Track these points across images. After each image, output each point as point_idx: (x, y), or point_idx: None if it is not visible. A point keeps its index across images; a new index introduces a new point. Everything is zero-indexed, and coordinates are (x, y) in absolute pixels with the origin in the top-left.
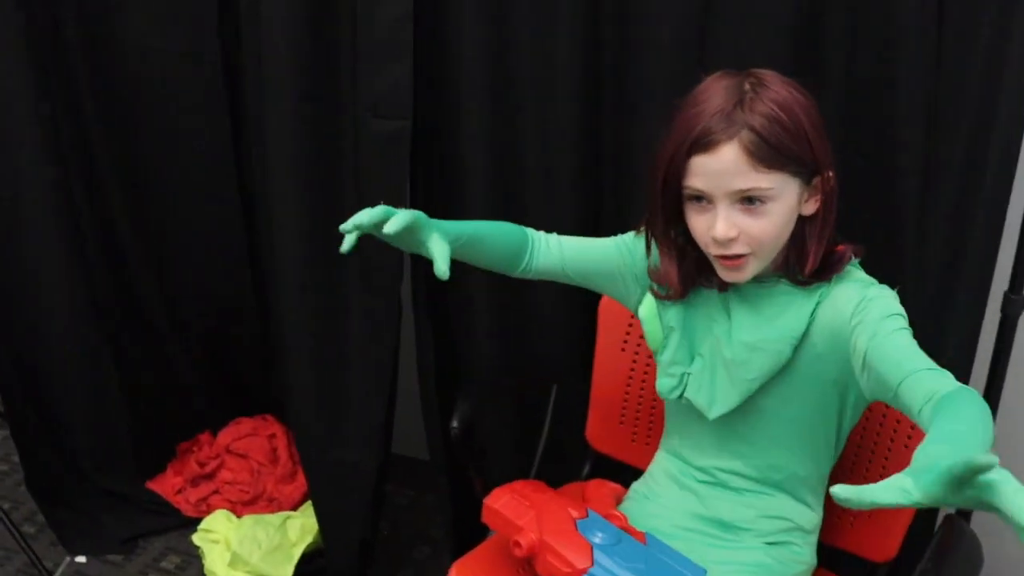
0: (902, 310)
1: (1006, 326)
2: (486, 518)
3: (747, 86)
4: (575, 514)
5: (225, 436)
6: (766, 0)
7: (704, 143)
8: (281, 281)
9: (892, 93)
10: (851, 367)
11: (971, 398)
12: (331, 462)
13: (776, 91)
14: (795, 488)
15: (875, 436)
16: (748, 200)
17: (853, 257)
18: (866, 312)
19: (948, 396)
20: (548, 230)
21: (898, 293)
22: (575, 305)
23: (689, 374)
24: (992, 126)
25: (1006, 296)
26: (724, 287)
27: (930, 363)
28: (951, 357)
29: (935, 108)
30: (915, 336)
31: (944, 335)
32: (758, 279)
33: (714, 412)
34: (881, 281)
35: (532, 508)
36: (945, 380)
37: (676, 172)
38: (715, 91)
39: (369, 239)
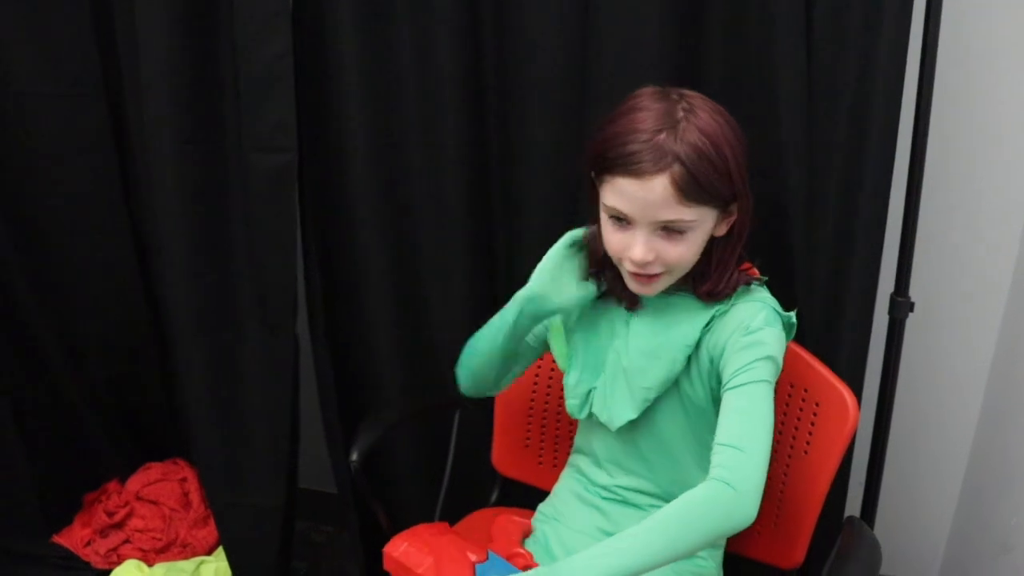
0: (775, 349)
1: (894, 328)
2: (387, 566)
3: (680, 113)
4: (474, 558)
5: (134, 483)
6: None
7: (634, 169)
8: (177, 322)
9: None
10: None
11: (687, 512)
12: (237, 503)
13: (706, 121)
14: None
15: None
16: (668, 229)
17: (755, 280)
18: (742, 348)
19: (688, 496)
20: (439, 253)
21: (796, 315)
22: (476, 326)
23: (595, 389)
24: (866, 141)
25: (892, 298)
26: (632, 304)
27: (740, 439)
28: (846, 362)
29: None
30: (810, 346)
31: (838, 341)
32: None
33: (616, 423)
34: (778, 297)
35: (431, 554)
36: (722, 467)
37: (600, 177)
38: (648, 111)
39: (261, 272)
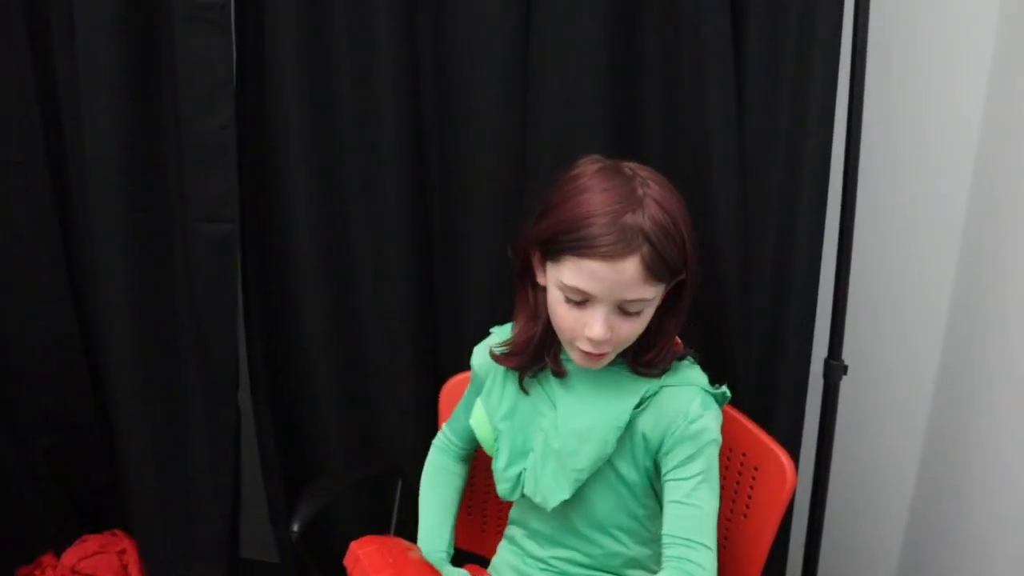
0: (715, 431)
1: (828, 391)
2: (347, 560)
3: (640, 190)
4: None
5: (70, 556)
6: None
7: (605, 252)
8: (119, 391)
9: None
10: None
11: None
12: (178, 574)
13: (663, 196)
14: (630, 572)
15: None
16: (627, 308)
17: (688, 357)
18: (684, 438)
19: None
20: (383, 320)
21: (728, 387)
22: (419, 394)
23: (525, 471)
24: (798, 205)
25: (826, 363)
26: (559, 373)
27: (695, 533)
28: (783, 425)
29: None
30: (747, 410)
31: (774, 405)
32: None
33: (550, 504)
34: (714, 363)
35: (395, 566)
36: (682, 560)
37: (557, 256)
38: (607, 191)
39: (203, 341)
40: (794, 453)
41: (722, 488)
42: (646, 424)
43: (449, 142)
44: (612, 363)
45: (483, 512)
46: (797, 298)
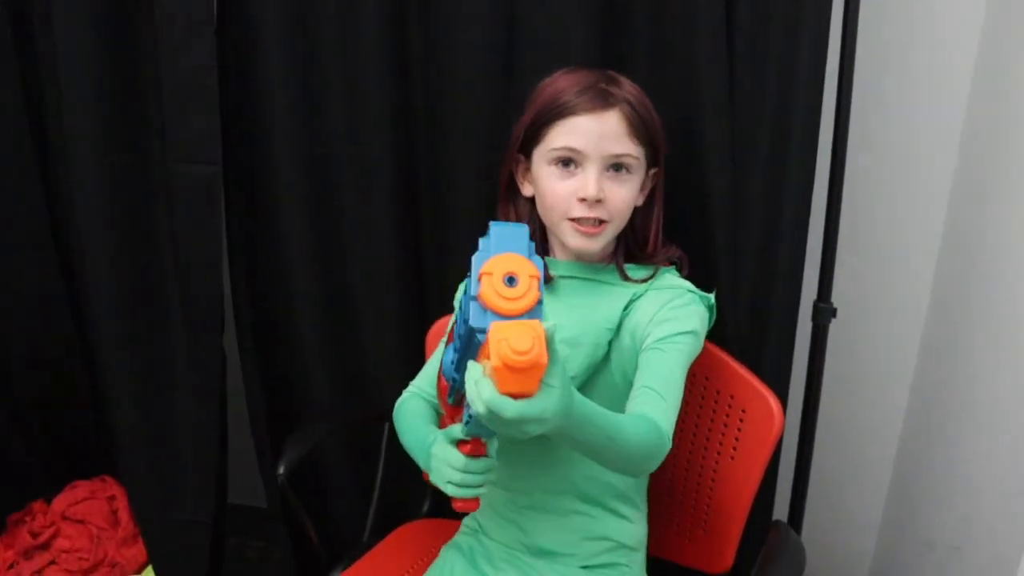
0: (698, 325)
1: (817, 334)
2: None
3: (615, 77)
4: None
5: (60, 502)
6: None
7: (588, 106)
8: (103, 336)
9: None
10: None
11: (641, 422)
12: (166, 519)
13: (634, 86)
14: (612, 502)
15: (700, 455)
16: (615, 168)
17: (677, 260)
18: (666, 320)
19: (635, 417)
20: (369, 261)
21: (715, 296)
22: (405, 336)
23: None
24: (788, 143)
25: (815, 305)
26: (546, 279)
27: (662, 387)
28: (771, 368)
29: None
30: (735, 353)
31: (763, 348)
32: (585, 267)
33: None
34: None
35: None
36: (650, 407)
37: (542, 133)
38: (579, 74)
39: (187, 284)
40: (782, 395)
41: (710, 429)
42: (633, 321)
43: (435, 73)
44: (600, 269)
45: None
46: (788, 240)
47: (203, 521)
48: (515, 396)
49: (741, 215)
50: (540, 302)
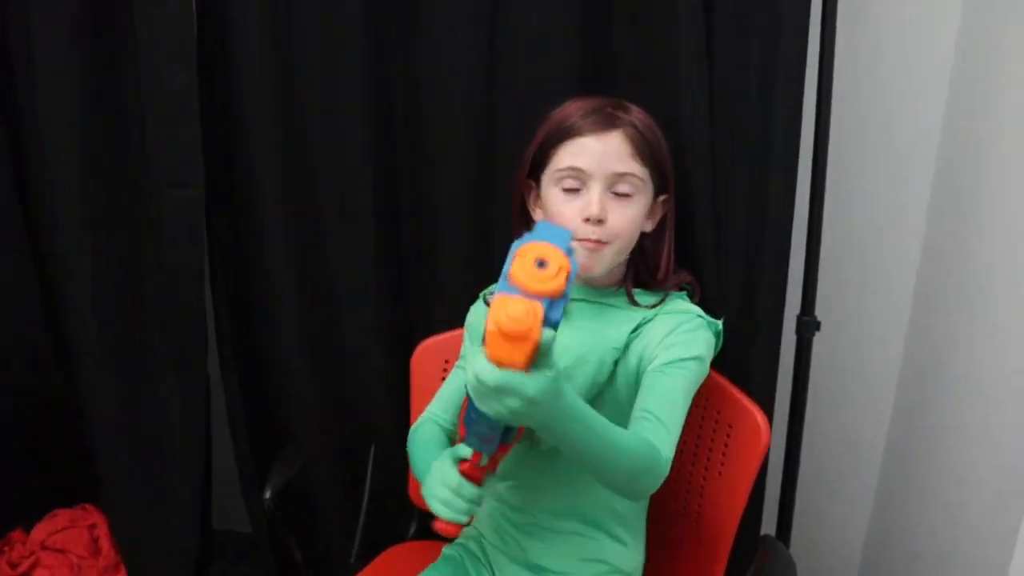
0: (704, 351)
1: (802, 347)
2: None
3: (618, 101)
4: None
5: (40, 531)
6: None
7: (592, 128)
8: (85, 361)
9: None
10: None
11: (637, 438)
12: (149, 546)
13: (644, 113)
14: (612, 527)
15: (688, 472)
16: (620, 191)
17: (688, 286)
18: (673, 344)
19: (633, 435)
20: (352, 285)
21: (723, 324)
22: (390, 359)
23: None
24: (770, 160)
25: (799, 319)
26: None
27: (663, 414)
28: (756, 382)
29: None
30: (720, 367)
31: (748, 363)
32: (594, 291)
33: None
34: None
35: None
36: (649, 434)
37: (549, 155)
38: (588, 100)
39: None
40: (767, 410)
41: (697, 446)
42: (641, 344)
43: (417, 95)
44: (610, 293)
45: None
46: (771, 253)
47: (187, 547)
48: (502, 365)
49: (724, 225)
50: (564, 296)
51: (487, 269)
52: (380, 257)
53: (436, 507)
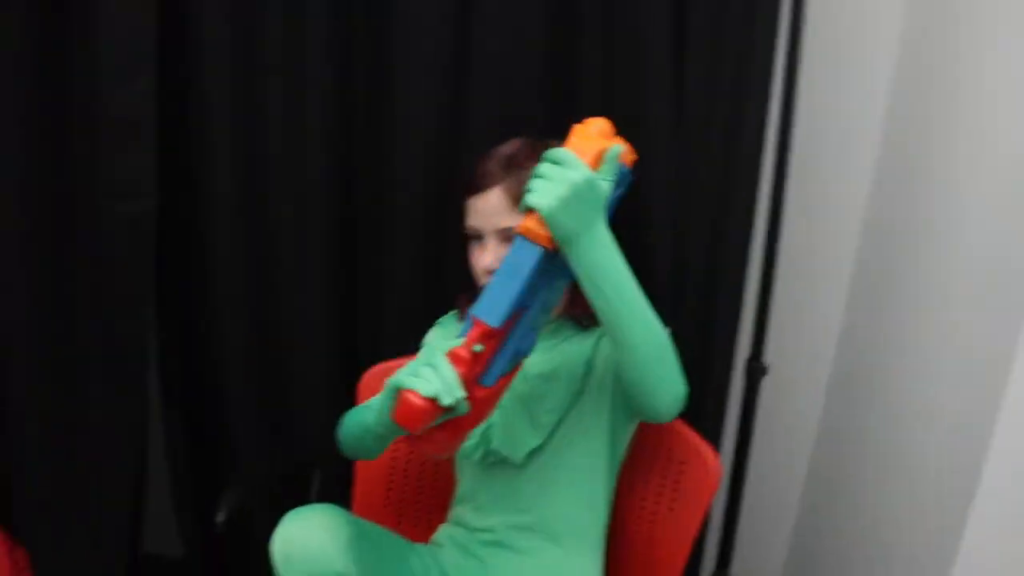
0: None
1: (751, 390)
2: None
3: (508, 151)
4: None
5: None
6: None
7: (475, 189)
8: (10, 381)
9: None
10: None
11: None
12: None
13: (530, 156)
14: (577, 543)
15: (638, 508)
16: (508, 237)
17: None
18: None
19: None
20: (303, 306)
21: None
22: (336, 386)
23: (492, 426)
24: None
25: (748, 363)
26: None
27: None
28: (705, 426)
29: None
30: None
31: (701, 403)
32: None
33: (519, 454)
34: None
35: None
36: None
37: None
38: (486, 156)
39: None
40: (717, 449)
41: (647, 483)
42: (605, 351)
43: (377, 120)
44: (560, 326)
45: (400, 502)
46: (724, 301)
47: (116, 571)
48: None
49: (683, 269)
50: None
51: (438, 296)
52: (331, 288)
53: (403, 378)
